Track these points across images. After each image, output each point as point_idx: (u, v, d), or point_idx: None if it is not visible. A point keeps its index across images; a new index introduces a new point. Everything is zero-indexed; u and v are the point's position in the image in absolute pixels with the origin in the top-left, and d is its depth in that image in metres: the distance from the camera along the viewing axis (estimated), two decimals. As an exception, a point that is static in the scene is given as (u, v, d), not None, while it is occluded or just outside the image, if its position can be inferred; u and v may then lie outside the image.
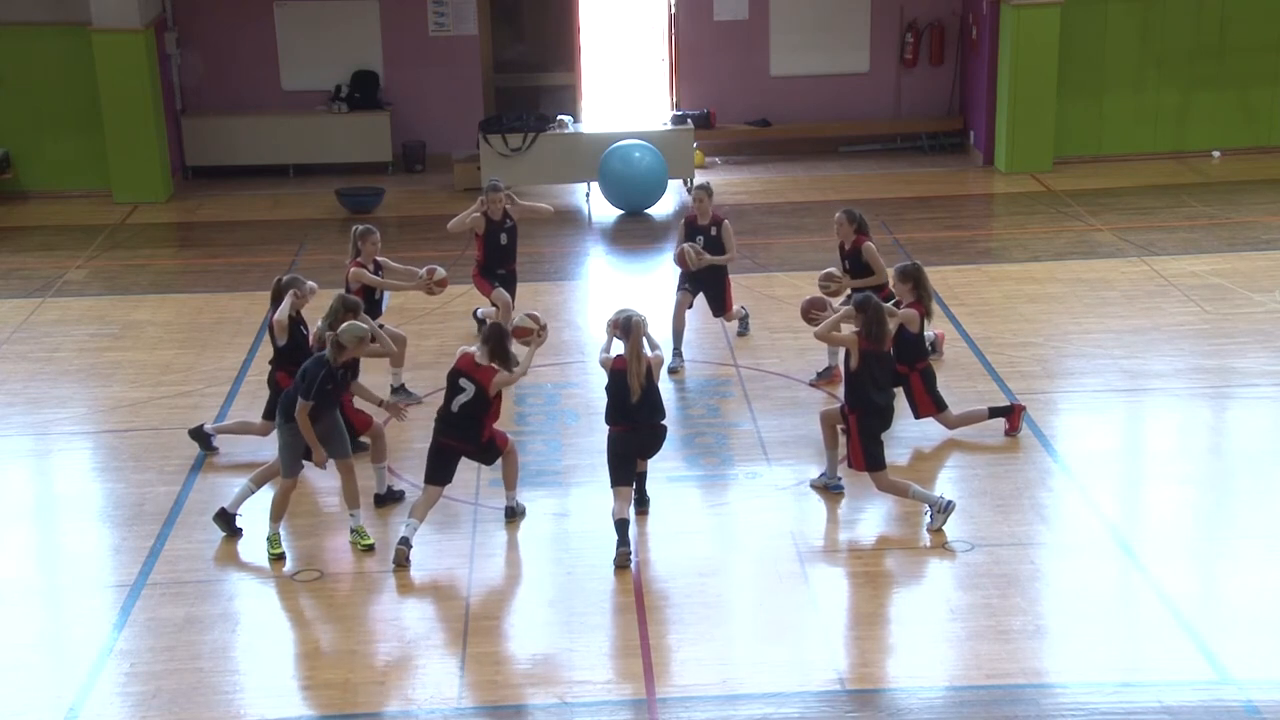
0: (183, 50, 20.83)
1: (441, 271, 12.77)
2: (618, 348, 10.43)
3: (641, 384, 10.23)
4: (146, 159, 19.70)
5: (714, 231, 13.45)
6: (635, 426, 10.34)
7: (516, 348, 10.69)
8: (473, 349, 10.41)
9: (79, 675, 9.11)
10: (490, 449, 10.58)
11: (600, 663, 9.20)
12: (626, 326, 10.28)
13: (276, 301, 11.58)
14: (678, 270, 13.69)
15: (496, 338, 10.33)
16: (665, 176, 19.18)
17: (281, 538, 10.51)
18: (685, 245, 13.39)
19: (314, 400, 10.15)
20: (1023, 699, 8.70)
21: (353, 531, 10.57)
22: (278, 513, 10.49)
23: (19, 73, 19.91)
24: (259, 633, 9.65)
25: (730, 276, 13.79)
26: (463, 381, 10.28)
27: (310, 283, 11.65)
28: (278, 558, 10.40)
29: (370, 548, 10.48)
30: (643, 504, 10.90)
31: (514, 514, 10.89)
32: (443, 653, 9.36)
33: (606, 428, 10.46)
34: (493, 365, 10.25)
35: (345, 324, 10.38)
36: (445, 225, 13.73)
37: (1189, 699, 8.65)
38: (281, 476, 10.50)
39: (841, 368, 11.03)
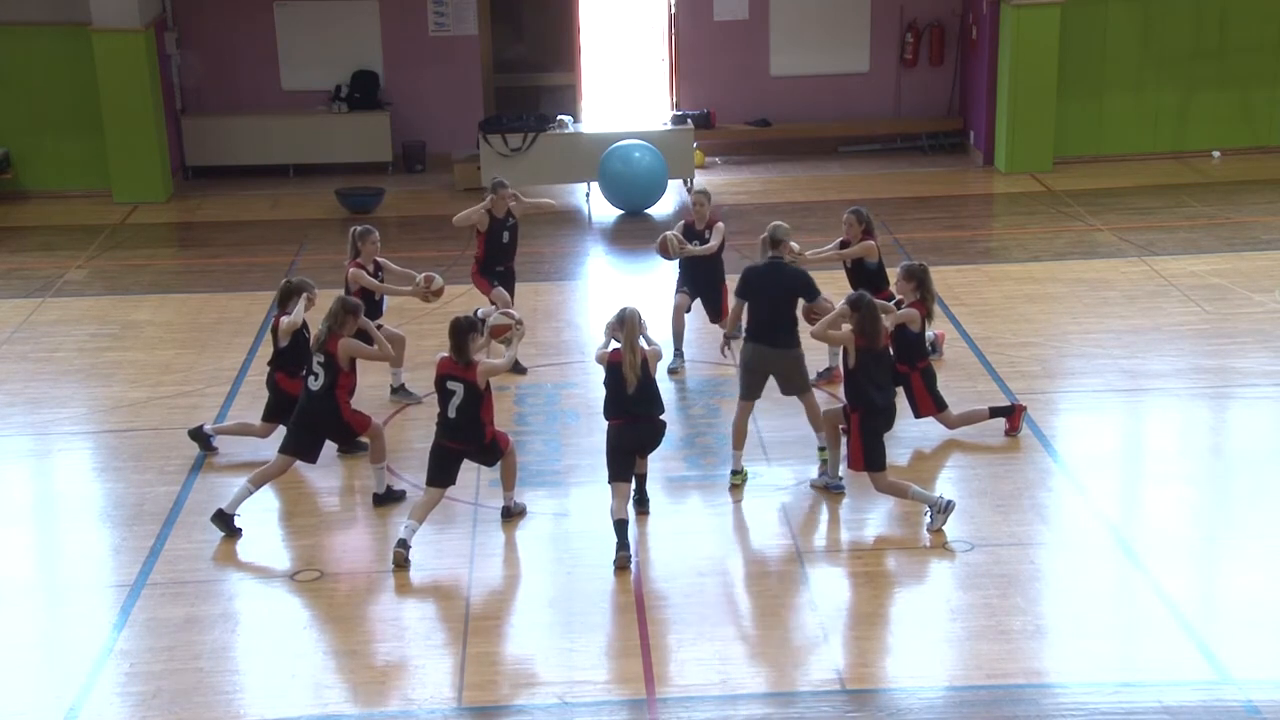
0: (183, 50, 20.83)
1: (439, 280, 12.73)
2: (615, 346, 10.43)
3: (637, 375, 10.22)
4: (146, 159, 19.70)
5: (708, 235, 13.44)
6: (633, 419, 10.32)
7: (495, 346, 10.72)
8: (446, 353, 10.40)
9: (79, 675, 9.10)
10: (493, 450, 10.57)
11: (600, 663, 9.19)
12: (621, 318, 10.29)
13: (282, 302, 11.57)
14: (676, 272, 13.68)
15: (453, 330, 10.25)
16: (665, 176, 19.17)
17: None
18: (667, 233, 13.35)
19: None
20: (1023, 699, 8.69)
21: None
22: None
23: (19, 73, 19.91)
24: (259, 633, 9.65)
25: (727, 285, 13.79)
26: (450, 384, 10.27)
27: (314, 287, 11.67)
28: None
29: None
30: (643, 505, 10.90)
31: (510, 513, 10.89)
32: (442, 653, 9.35)
33: (606, 425, 10.46)
34: (475, 360, 10.25)
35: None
36: (445, 226, 13.74)
37: (1189, 699, 8.65)
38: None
39: (841, 368, 11.04)
